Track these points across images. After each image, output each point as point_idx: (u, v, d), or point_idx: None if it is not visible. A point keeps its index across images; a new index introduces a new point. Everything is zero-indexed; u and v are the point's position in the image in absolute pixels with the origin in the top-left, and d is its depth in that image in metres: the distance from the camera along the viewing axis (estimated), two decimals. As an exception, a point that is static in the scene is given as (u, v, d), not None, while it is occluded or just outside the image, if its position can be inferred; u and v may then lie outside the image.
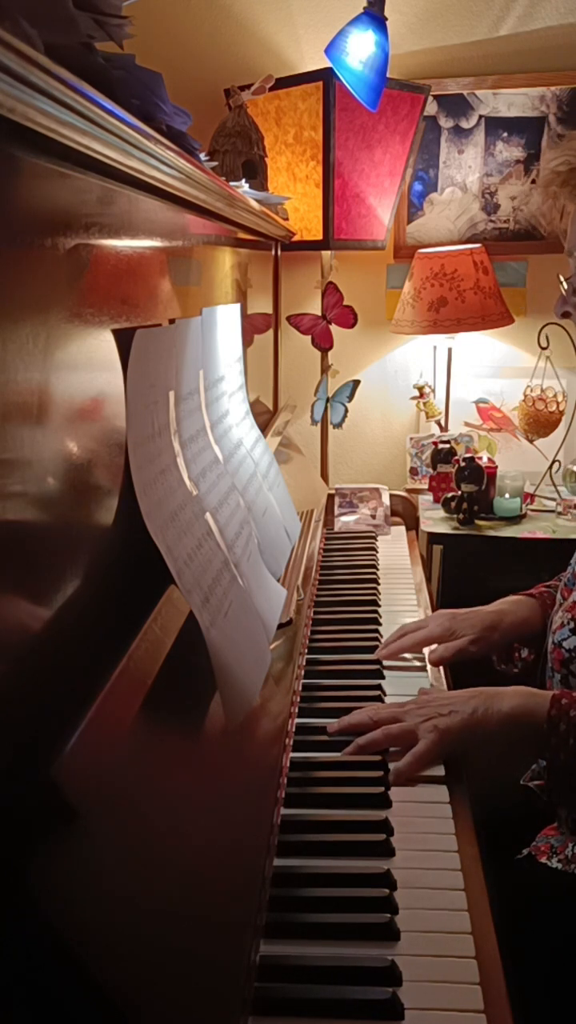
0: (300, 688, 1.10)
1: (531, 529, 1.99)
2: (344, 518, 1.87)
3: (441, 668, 1.20)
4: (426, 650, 1.21)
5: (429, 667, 1.19)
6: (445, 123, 2.26)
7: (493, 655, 1.22)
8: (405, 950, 0.70)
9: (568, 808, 1.01)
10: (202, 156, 0.91)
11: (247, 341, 1.55)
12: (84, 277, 0.63)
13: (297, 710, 1.05)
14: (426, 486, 2.22)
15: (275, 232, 1.72)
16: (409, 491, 2.12)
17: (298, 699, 1.07)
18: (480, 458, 2.03)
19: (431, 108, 2.22)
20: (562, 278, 1.13)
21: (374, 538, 1.77)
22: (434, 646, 1.20)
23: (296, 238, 2.04)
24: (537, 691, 0.97)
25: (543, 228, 2.27)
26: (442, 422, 2.34)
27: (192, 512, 0.83)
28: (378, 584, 1.51)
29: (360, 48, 1.75)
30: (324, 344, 2.23)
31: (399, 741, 0.96)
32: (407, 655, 1.22)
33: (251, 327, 1.68)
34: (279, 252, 2.06)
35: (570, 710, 0.92)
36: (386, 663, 1.20)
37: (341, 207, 2.04)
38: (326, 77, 1.88)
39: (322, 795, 0.90)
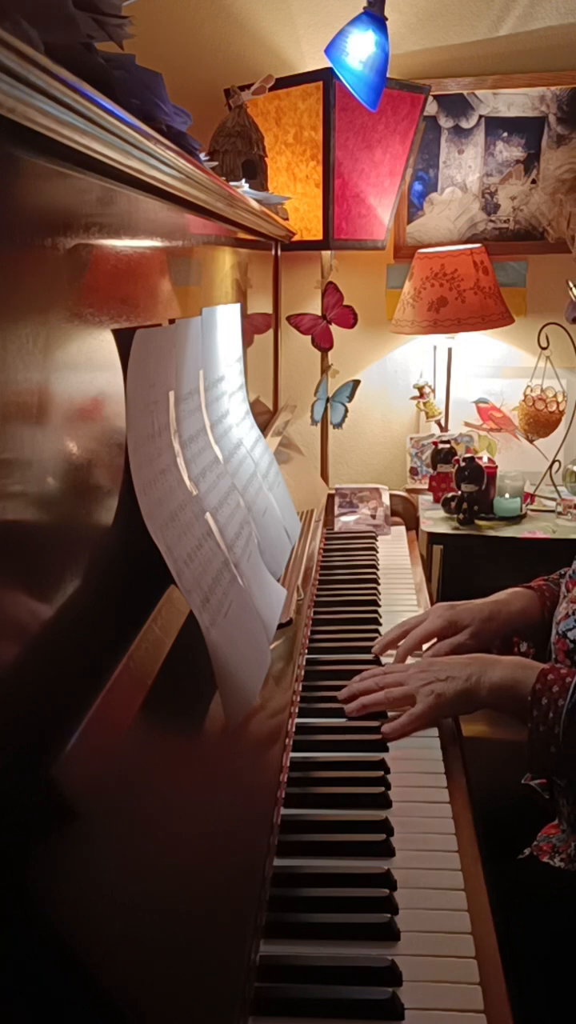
0: (300, 688, 1.10)
1: (531, 529, 1.99)
2: (344, 518, 1.87)
3: None
4: (424, 646, 1.21)
5: None
6: (445, 123, 2.26)
7: (492, 648, 1.22)
8: (405, 950, 0.70)
9: (539, 772, 1.03)
10: (202, 156, 0.91)
11: (247, 341, 1.55)
12: (84, 277, 0.63)
13: (297, 710, 1.05)
14: (426, 486, 2.22)
15: (275, 232, 1.72)
16: (409, 491, 2.12)
17: (298, 699, 1.07)
18: (480, 458, 2.03)
19: (431, 108, 2.22)
20: (571, 284, 1.13)
21: (374, 538, 1.76)
22: (433, 641, 1.20)
23: (296, 238, 2.04)
24: (530, 663, 1.00)
25: (543, 228, 2.27)
26: (442, 422, 2.34)
27: (192, 512, 0.83)
28: (378, 584, 1.51)
29: (360, 48, 1.75)
30: (324, 344, 2.23)
31: (399, 704, 1.02)
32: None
33: (251, 327, 1.68)
34: (279, 252, 2.05)
35: (553, 686, 0.95)
36: (385, 662, 1.20)
37: (341, 207, 2.04)
38: (326, 77, 1.88)
39: (322, 795, 0.90)
